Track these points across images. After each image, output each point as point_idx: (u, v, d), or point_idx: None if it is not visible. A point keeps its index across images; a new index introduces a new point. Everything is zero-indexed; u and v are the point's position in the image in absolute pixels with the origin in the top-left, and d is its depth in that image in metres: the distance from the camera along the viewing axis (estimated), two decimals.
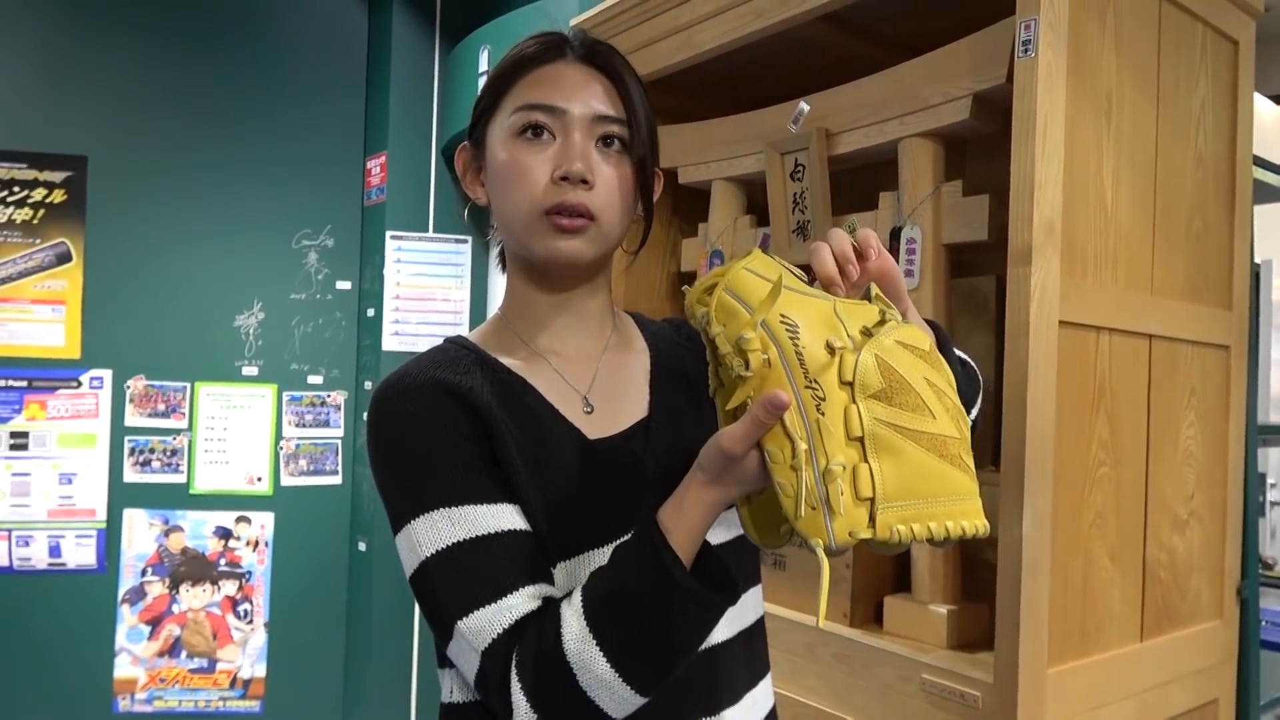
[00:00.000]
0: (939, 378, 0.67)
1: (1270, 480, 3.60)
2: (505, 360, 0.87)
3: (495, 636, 0.74)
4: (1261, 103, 3.82)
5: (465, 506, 0.78)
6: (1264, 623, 2.19)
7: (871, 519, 0.63)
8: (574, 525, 0.81)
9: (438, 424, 0.80)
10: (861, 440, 0.64)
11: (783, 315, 0.67)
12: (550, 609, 0.75)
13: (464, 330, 2.61)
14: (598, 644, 0.71)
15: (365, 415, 0.85)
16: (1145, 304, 1.29)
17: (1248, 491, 1.50)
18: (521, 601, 0.75)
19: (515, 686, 0.73)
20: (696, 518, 0.72)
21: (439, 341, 0.91)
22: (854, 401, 0.64)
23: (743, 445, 0.67)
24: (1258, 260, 3.68)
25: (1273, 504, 3.59)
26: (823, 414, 0.64)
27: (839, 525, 0.63)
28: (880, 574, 1.41)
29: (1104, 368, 1.23)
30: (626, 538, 0.76)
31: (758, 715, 0.90)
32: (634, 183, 0.87)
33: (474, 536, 0.77)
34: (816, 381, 0.65)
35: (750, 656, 0.91)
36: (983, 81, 1.26)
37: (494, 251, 0.96)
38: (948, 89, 1.31)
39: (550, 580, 0.79)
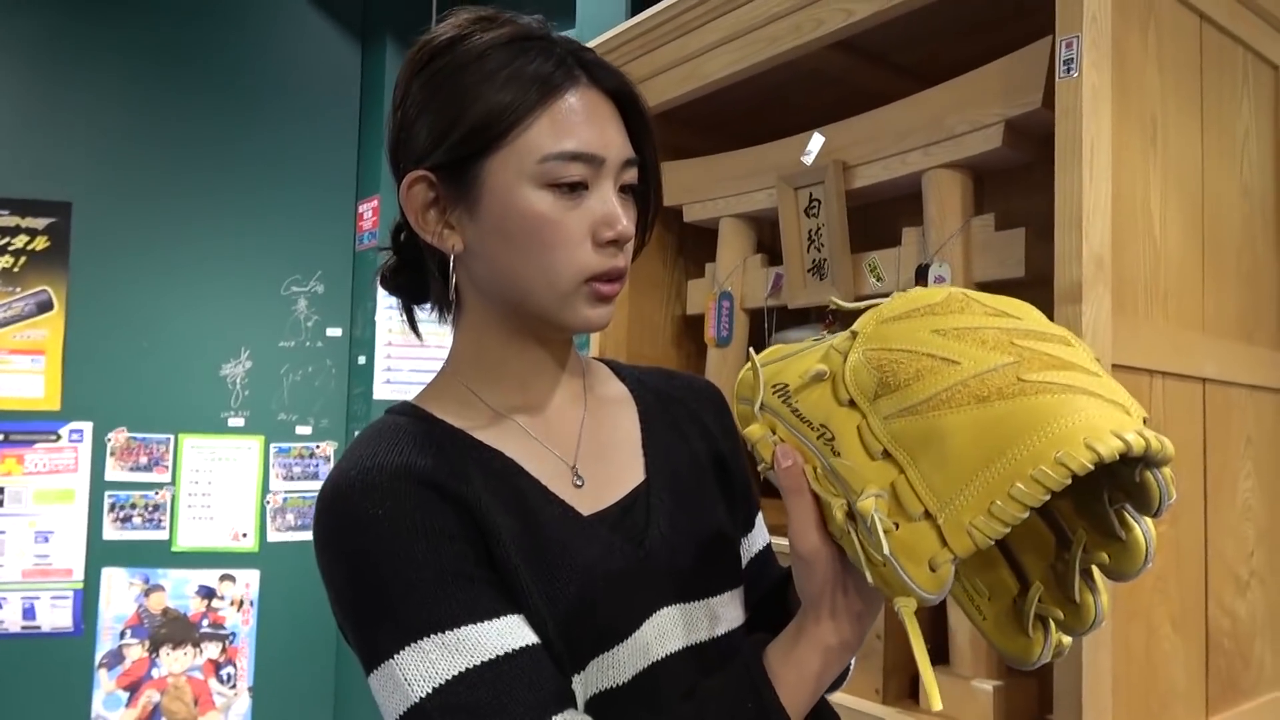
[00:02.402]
0: (957, 319, 0.53)
1: None
2: (474, 432, 0.74)
3: None
4: None
5: (463, 628, 0.62)
6: None
7: (941, 534, 0.49)
8: (583, 628, 0.68)
9: (415, 526, 0.65)
10: (887, 453, 0.52)
11: (774, 386, 0.59)
12: None
13: None
14: None
15: (314, 523, 0.69)
16: (1198, 345, 1.19)
17: None
18: None
19: None
20: (811, 662, 0.59)
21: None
22: (863, 416, 0.53)
23: (800, 538, 0.56)
24: None
25: None
26: (838, 454, 0.54)
27: (910, 564, 0.50)
28: None
29: (1158, 415, 1.12)
30: (720, 680, 0.63)
31: None
32: (643, 226, 0.78)
33: (480, 663, 0.62)
34: (824, 426, 0.55)
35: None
36: (1016, 107, 1.17)
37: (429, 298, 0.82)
38: (977, 116, 1.21)
39: (575, 703, 0.65)
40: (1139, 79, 1.12)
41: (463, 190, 0.72)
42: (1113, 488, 0.50)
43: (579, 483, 0.75)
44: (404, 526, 0.64)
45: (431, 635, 0.62)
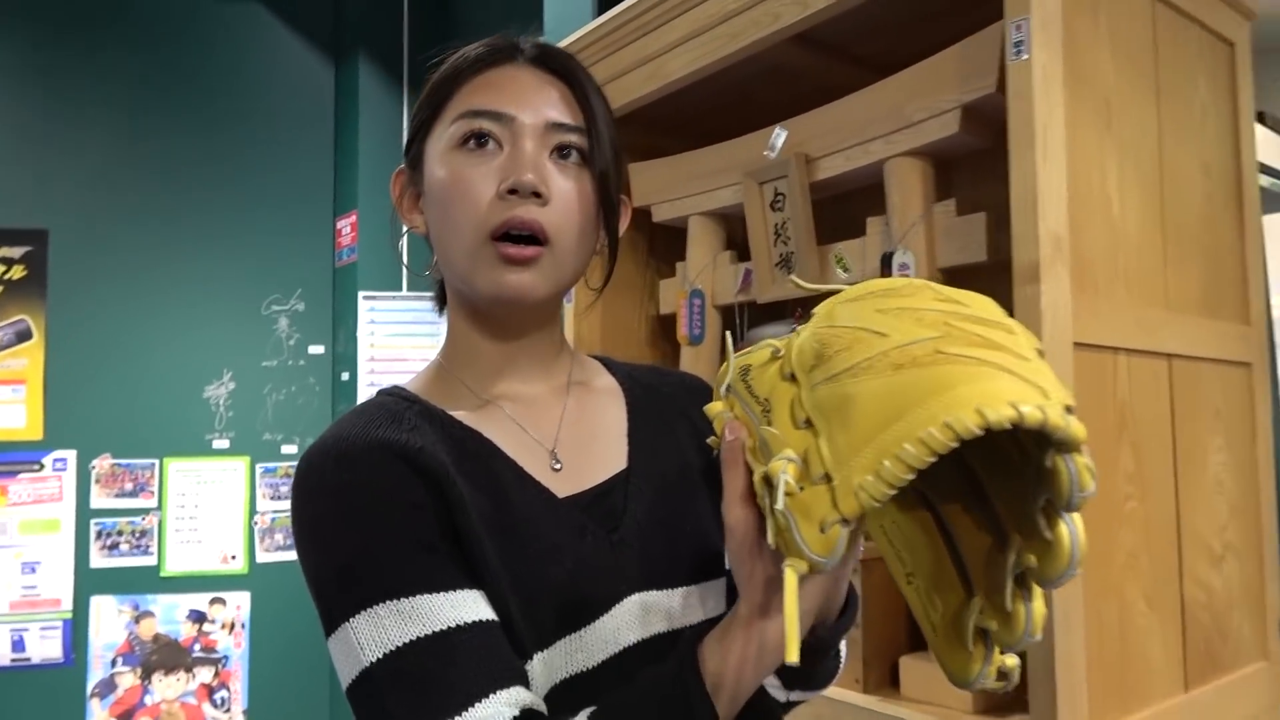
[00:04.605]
0: (904, 301, 0.52)
1: None
2: (455, 413, 0.74)
3: None
4: None
5: (418, 597, 0.63)
6: None
7: (834, 496, 0.49)
8: (547, 605, 0.68)
9: (382, 495, 0.66)
10: (809, 421, 0.52)
11: (740, 368, 0.59)
12: None
13: None
14: None
15: (291, 488, 0.71)
16: (1162, 321, 1.19)
17: None
18: (495, 711, 0.61)
19: None
20: (754, 666, 0.58)
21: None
22: (798, 389, 0.53)
23: (727, 507, 0.57)
24: None
25: None
26: (770, 424, 0.54)
27: (804, 525, 0.50)
28: (894, 632, 1.28)
29: (1124, 392, 1.13)
30: (660, 667, 0.62)
31: None
32: (595, 202, 0.75)
33: (431, 633, 0.62)
34: (767, 400, 0.55)
35: None
36: (971, 92, 1.17)
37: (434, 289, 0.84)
38: (934, 103, 1.22)
39: (526, 682, 0.64)
40: (1091, 60, 1.13)
41: (417, 174, 0.77)
42: (1042, 486, 0.49)
43: (557, 466, 0.75)
44: (372, 495, 0.66)
45: (387, 601, 0.62)
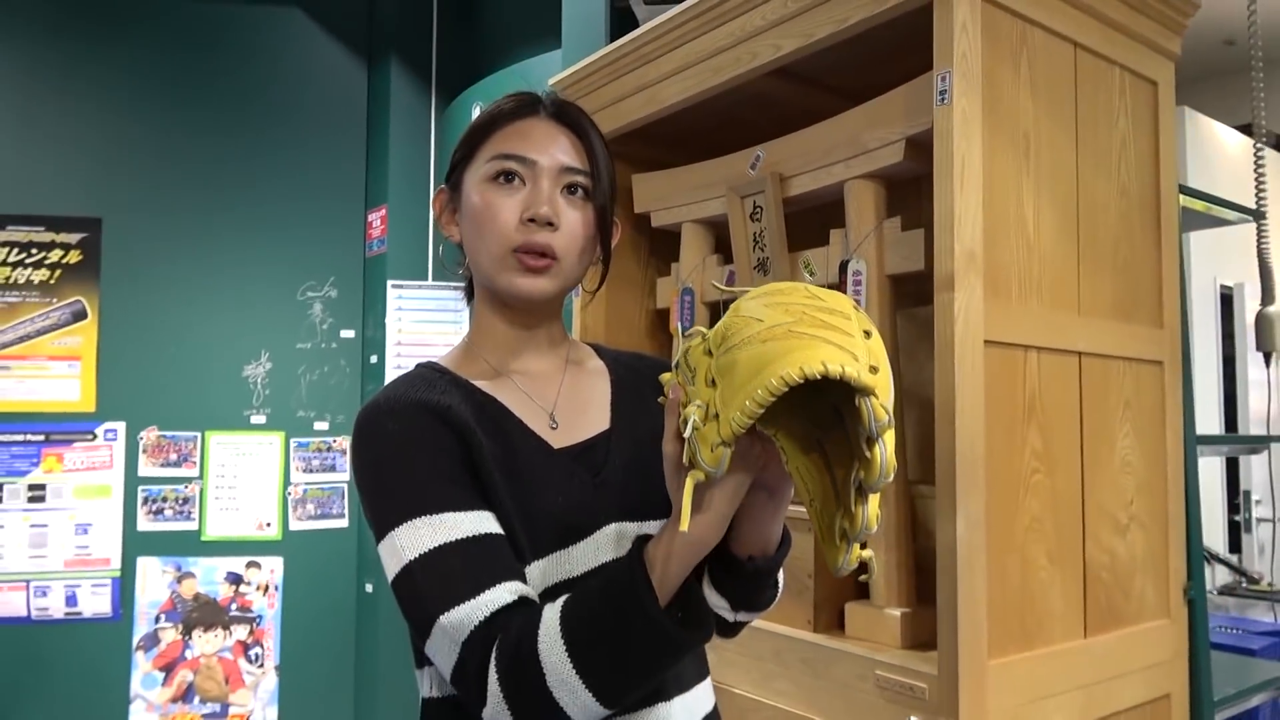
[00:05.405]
0: (783, 298, 0.73)
1: (1255, 496, 3.68)
2: (476, 381, 0.97)
3: (474, 628, 0.81)
4: (1227, 133, 3.97)
5: (445, 514, 0.85)
6: (1238, 631, 2.27)
7: (719, 428, 0.71)
8: (543, 528, 0.90)
9: (420, 440, 0.88)
10: (714, 380, 0.73)
11: (685, 349, 0.80)
12: (532, 607, 0.83)
13: None
14: (568, 651, 0.78)
15: (351, 435, 0.93)
16: (1072, 324, 1.40)
17: (1189, 499, 1.60)
18: (499, 596, 0.82)
19: (491, 675, 0.80)
20: (680, 552, 0.79)
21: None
22: (712, 358, 0.74)
23: (665, 441, 0.79)
24: (1229, 284, 3.79)
25: (1259, 520, 3.66)
26: (694, 384, 0.76)
27: (703, 447, 0.72)
28: (843, 582, 1.50)
29: (1033, 383, 1.34)
30: (619, 558, 0.83)
31: (704, 709, 0.99)
32: (595, 228, 0.99)
33: (454, 540, 0.84)
34: (694, 368, 0.77)
35: (695, 653, 0.99)
36: (913, 127, 1.38)
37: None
38: (884, 134, 1.43)
39: (524, 579, 0.87)
40: (1011, 103, 1.34)
41: (456, 194, 1.00)
42: (861, 423, 0.70)
43: (554, 425, 0.98)
44: (412, 439, 0.88)
45: (422, 516, 0.85)
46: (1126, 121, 1.53)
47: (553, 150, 0.96)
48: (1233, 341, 3.71)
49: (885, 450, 0.69)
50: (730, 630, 1.00)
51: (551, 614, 0.80)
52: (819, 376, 0.66)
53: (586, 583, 0.84)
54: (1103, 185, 1.48)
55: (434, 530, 0.85)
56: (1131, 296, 1.52)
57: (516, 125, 0.97)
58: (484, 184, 0.96)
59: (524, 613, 0.82)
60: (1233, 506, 3.79)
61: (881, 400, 0.68)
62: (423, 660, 0.95)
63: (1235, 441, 2.52)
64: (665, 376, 0.83)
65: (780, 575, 0.99)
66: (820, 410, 0.75)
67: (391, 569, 0.87)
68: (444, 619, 0.82)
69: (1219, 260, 3.60)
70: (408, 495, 0.87)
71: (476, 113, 3.22)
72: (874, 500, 0.73)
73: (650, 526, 0.97)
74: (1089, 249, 1.45)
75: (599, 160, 0.99)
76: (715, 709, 1.01)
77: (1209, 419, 3.74)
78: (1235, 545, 3.80)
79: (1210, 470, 3.88)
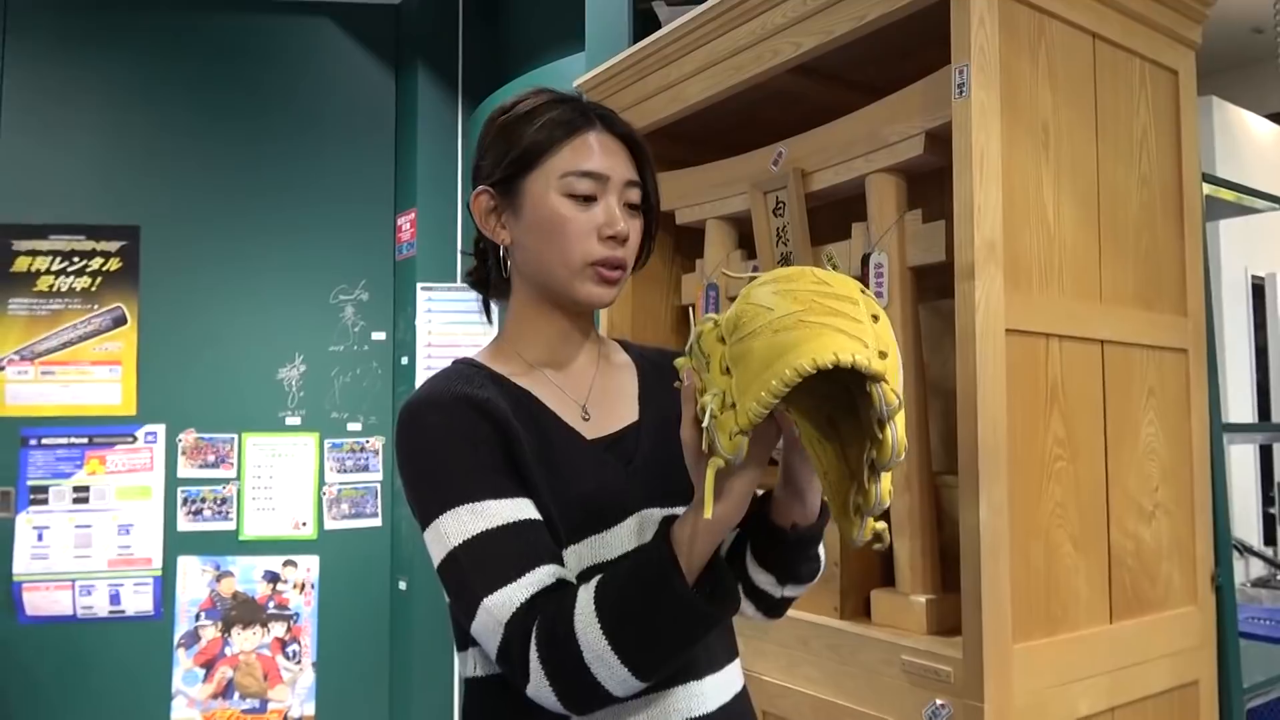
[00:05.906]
0: (791, 285, 0.74)
1: None
2: (512, 377, 1.01)
3: (516, 609, 0.85)
4: (1258, 122, 3.93)
5: (486, 501, 0.89)
6: (1270, 621, 2.26)
7: (736, 416, 0.73)
8: (577, 514, 0.95)
9: (461, 432, 0.92)
10: (729, 369, 0.75)
11: (697, 335, 0.82)
12: (569, 588, 0.87)
13: None
14: (602, 628, 0.82)
15: (395, 429, 0.98)
16: (1094, 312, 1.41)
17: (1216, 486, 1.60)
18: (539, 578, 0.86)
19: (533, 654, 0.84)
20: (704, 533, 0.82)
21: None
22: (725, 346, 0.76)
23: (683, 428, 0.81)
24: (1260, 274, 3.76)
25: None
26: (709, 372, 0.78)
27: (721, 434, 0.74)
28: (868, 570, 1.52)
29: (1055, 371, 1.35)
30: (648, 543, 0.86)
31: (734, 688, 1.02)
32: (644, 234, 1.05)
33: (495, 526, 0.88)
34: (708, 355, 0.79)
35: (725, 633, 1.03)
36: (933, 120, 1.40)
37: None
38: (904, 128, 1.45)
39: (561, 561, 0.91)
40: (1030, 94, 1.35)
41: (510, 199, 1.01)
42: (873, 407, 0.72)
43: (586, 417, 1.02)
44: (454, 431, 0.92)
45: (465, 504, 0.89)
46: (1147, 111, 1.54)
47: (617, 166, 1.00)
48: (1265, 331, 3.66)
49: (896, 431, 0.71)
50: (778, 608, 1.04)
51: (586, 594, 0.84)
52: (831, 366, 0.68)
53: (618, 565, 0.87)
54: (1124, 175, 1.50)
55: (476, 517, 0.89)
56: (1154, 285, 1.53)
57: (583, 139, 1.00)
58: (559, 198, 0.98)
59: (562, 594, 0.86)
60: (1267, 499, 3.75)
61: (891, 384, 0.70)
62: (466, 642, 0.99)
63: (1265, 430, 2.51)
64: (680, 361, 0.86)
65: (822, 548, 1.02)
66: (833, 389, 0.78)
67: (437, 555, 0.91)
68: (488, 601, 0.87)
69: (1250, 251, 3.57)
70: (451, 485, 0.91)
71: None
72: (886, 477, 0.76)
73: (677, 511, 1.00)
74: (1110, 238, 1.46)
75: (650, 172, 1.04)
76: (745, 688, 1.05)
77: (1241, 409, 3.71)
78: (1270, 538, 3.76)
79: (1244, 465, 3.85)
